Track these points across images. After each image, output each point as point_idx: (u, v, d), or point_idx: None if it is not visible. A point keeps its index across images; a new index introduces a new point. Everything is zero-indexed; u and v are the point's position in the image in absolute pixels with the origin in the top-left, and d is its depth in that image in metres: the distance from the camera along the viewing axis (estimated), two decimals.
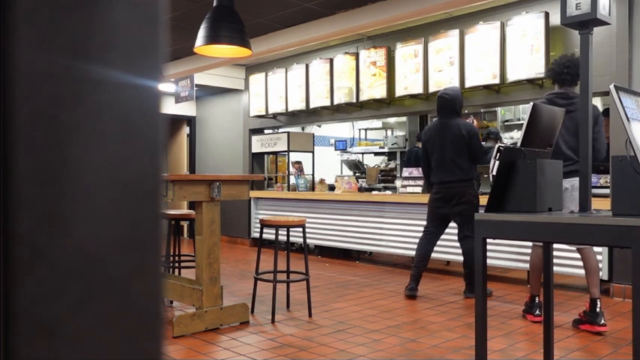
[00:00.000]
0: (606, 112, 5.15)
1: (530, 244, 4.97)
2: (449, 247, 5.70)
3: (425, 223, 5.07)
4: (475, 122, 8.02)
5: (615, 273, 4.75)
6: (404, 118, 9.27)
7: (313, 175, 7.99)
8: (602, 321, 3.64)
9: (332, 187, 7.62)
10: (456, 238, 5.05)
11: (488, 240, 2.07)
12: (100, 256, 0.43)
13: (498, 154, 2.05)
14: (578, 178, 3.53)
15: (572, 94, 3.83)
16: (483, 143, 7.08)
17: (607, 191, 4.51)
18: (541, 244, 3.74)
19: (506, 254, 5.34)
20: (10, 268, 0.39)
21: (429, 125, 5.18)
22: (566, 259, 4.85)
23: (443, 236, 5.07)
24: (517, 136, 7.76)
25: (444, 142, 4.79)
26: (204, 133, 9.77)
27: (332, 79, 7.21)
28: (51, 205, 0.41)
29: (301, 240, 4.76)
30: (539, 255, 3.88)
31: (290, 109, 7.86)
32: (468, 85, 5.79)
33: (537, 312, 3.91)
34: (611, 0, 2.16)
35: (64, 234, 0.41)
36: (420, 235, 5.04)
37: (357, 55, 6.92)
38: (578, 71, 3.76)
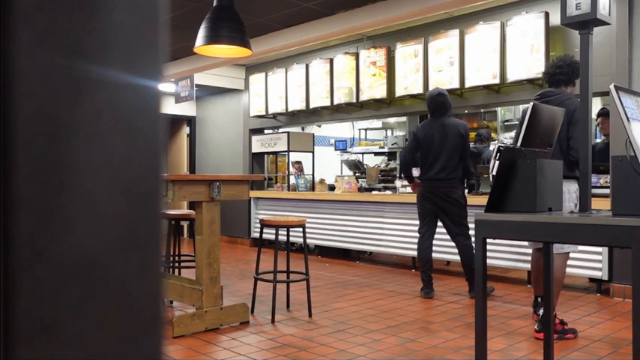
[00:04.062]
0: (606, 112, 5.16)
1: (531, 244, 4.97)
2: (449, 247, 5.69)
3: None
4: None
5: (615, 273, 4.75)
6: (404, 118, 9.27)
7: (313, 175, 7.99)
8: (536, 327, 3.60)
9: (332, 187, 7.62)
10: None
11: (488, 240, 2.07)
12: (100, 256, 0.43)
13: (498, 154, 2.05)
14: None
15: (550, 93, 3.70)
16: (477, 145, 7.13)
17: (607, 191, 4.50)
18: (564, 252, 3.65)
19: (506, 254, 5.34)
20: (10, 268, 0.39)
21: (426, 122, 5.05)
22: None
23: (443, 236, 5.07)
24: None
25: (445, 141, 4.80)
26: (204, 133, 9.77)
27: (332, 79, 7.20)
28: (51, 205, 0.41)
29: (301, 240, 4.76)
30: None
31: (290, 109, 7.86)
32: (468, 85, 5.79)
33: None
34: (611, 0, 2.16)
35: (64, 234, 0.41)
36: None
37: (357, 55, 6.92)
38: (571, 70, 3.68)
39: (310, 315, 4.16)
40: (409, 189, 6.27)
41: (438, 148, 4.82)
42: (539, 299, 3.87)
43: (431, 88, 6.10)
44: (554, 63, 3.79)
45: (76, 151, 0.41)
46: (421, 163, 4.95)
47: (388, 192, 6.96)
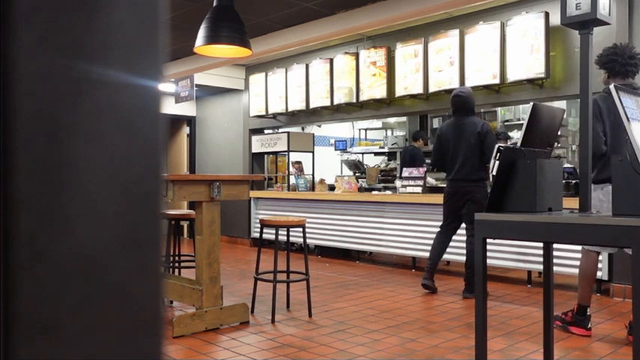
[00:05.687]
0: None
1: (530, 244, 4.98)
2: (450, 247, 5.69)
3: (439, 221, 5.12)
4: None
5: (615, 273, 4.75)
6: (404, 118, 9.27)
7: (313, 175, 7.99)
8: (589, 325, 3.63)
9: (332, 187, 7.62)
10: (455, 237, 5.07)
11: (488, 240, 2.07)
12: (100, 256, 0.43)
13: (498, 154, 2.05)
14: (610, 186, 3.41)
15: (637, 86, 3.51)
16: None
17: None
18: (596, 250, 3.65)
19: (506, 254, 5.34)
20: (10, 268, 0.39)
21: (445, 123, 5.15)
22: (567, 259, 4.85)
23: None
24: (517, 136, 7.74)
25: (460, 141, 4.82)
26: (204, 133, 9.77)
27: (332, 79, 7.20)
28: (51, 205, 0.41)
29: (301, 240, 4.76)
30: (594, 261, 3.69)
31: (290, 109, 7.86)
32: (468, 85, 5.78)
33: (589, 325, 3.66)
34: (611, 0, 2.16)
35: (64, 234, 0.41)
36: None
37: (357, 55, 6.92)
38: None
39: (310, 315, 4.16)
40: (409, 189, 6.27)
41: (454, 148, 4.85)
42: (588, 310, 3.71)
43: (431, 88, 6.13)
44: (627, 53, 3.51)
45: (76, 151, 0.41)
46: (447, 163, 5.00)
47: (388, 192, 6.96)
